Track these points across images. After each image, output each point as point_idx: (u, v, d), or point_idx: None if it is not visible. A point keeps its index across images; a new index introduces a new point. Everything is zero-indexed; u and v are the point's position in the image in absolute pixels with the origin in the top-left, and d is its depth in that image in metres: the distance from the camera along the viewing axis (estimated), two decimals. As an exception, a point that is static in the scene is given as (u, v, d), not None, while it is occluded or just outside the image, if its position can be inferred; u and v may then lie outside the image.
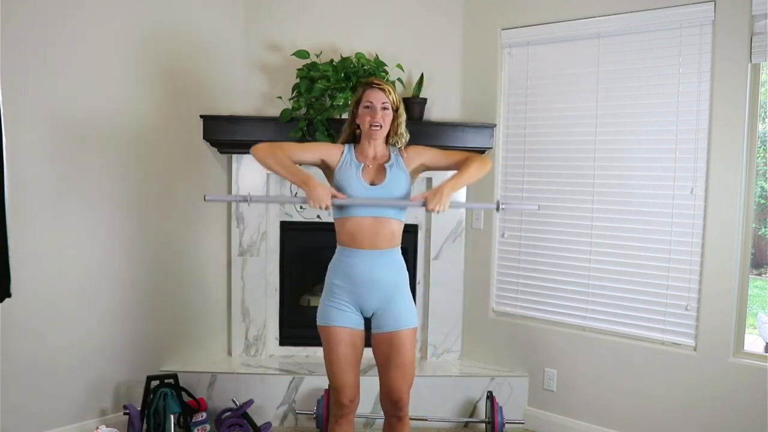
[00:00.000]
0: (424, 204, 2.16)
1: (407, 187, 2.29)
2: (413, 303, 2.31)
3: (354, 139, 2.36)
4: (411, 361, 2.24)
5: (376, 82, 2.29)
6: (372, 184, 2.24)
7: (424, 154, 2.35)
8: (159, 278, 3.25)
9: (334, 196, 2.16)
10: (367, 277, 2.21)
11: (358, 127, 2.31)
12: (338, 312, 2.21)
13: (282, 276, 3.56)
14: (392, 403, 2.23)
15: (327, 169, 2.31)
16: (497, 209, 2.36)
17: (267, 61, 3.44)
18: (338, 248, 2.27)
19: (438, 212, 2.16)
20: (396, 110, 2.29)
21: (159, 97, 3.17)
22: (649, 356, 2.90)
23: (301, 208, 3.41)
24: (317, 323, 2.27)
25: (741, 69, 2.63)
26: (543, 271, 3.26)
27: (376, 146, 2.30)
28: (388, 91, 2.26)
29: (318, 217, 3.44)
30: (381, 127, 2.24)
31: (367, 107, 2.25)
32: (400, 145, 2.35)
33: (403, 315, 2.24)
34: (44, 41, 2.75)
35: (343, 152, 2.29)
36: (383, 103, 2.24)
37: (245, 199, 2.20)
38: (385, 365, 2.24)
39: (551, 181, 3.22)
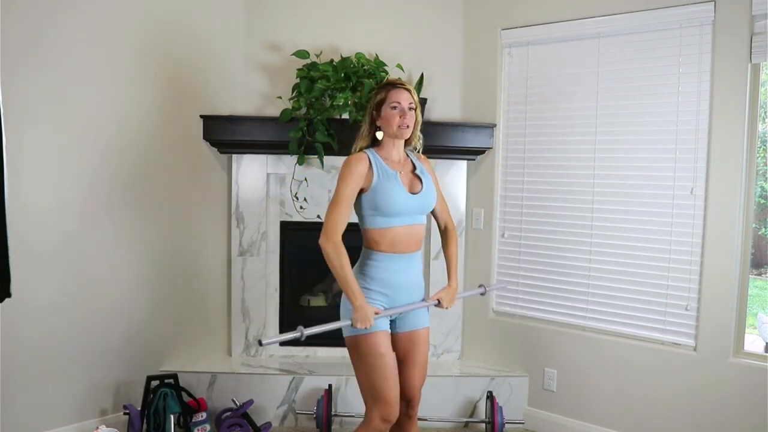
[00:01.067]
0: (438, 304, 2.30)
1: (436, 195, 2.33)
2: None
3: (371, 142, 2.29)
4: (426, 359, 2.30)
5: (399, 82, 2.25)
6: (411, 192, 2.22)
7: (432, 180, 2.35)
8: (159, 278, 3.25)
9: (376, 313, 2.13)
10: (403, 279, 2.22)
11: (378, 128, 2.25)
12: (378, 319, 2.18)
13: (282, 276, 3.55)
14: (406, 402, 2.25)
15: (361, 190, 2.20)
16: (483, 294, 2.54)
17: (267, 61, 3.44)
18: (372, 254, 2.20)
19: (447, 308, 2.34)
20: (415, 110, 2.27)
21: (159, 97, 3.17)
22: (649, 356, 2.90)
23: (301, 208, 3.41)
24: (352, 334, 2.14)
25: (741, 69, 2.63)
26: (543, 271, 3.26)
27: (399, 148, 2.27)
28: (412, 91, 2.24)
29: (318, 216, 3.44)
30: (409, 127, 2.21)
31: (395, 108, 2.18)
32: (419, 149, 2.34)
33: (421, 314, 2.29)
34: (45, 42, 2.75)
35: (370, 164, 2.18)
36: (410, 103, 2.21)
37: (300, 335, 2.01)
38: (403, 363, 2.24)
39: (551, 181, 3.22)
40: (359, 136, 2.28)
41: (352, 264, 2.19)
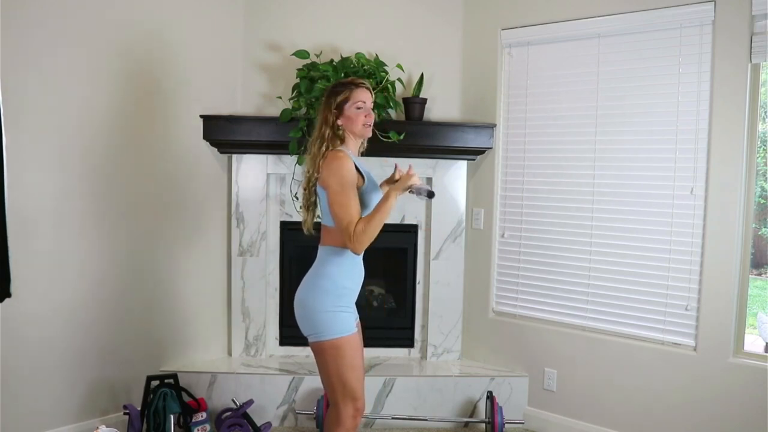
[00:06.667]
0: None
1: None
2: None
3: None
4: None
5: (361, 81, 2.23)
6: None
7: None
8: (159, 278, 3.25)
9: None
10: (363, 274, 2.26)
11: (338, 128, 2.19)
12: (352, 317, 2.19)
13: (282, 276, 3.56)
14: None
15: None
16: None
17: (267, 61, 3.44)
18: (348, 253, 2.14)
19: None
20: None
21: (159, 96, 3.16)
22: (649, 356, 2.90)
23: (301, 208, 3.39)
24: (334, 336, 2.10)
25: (741, 69, 2.63)
26: (543, 271, 3.26)
27: (358, 146, 2.29)
28: (371, 90, 2.24)
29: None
30: (370, 126, 2.23)
31: (360, 108, 2.17)
32: (365, 147, 2.34)
33: None
34: (44, 41, 2.74)
35: (353, 163, 2.14)
36: (372, 102, 2.23)
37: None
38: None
39: (551, 181, 3.22)
40: (323, 137, 2.16)
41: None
